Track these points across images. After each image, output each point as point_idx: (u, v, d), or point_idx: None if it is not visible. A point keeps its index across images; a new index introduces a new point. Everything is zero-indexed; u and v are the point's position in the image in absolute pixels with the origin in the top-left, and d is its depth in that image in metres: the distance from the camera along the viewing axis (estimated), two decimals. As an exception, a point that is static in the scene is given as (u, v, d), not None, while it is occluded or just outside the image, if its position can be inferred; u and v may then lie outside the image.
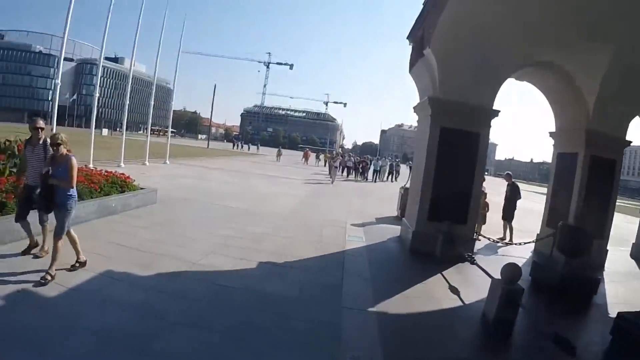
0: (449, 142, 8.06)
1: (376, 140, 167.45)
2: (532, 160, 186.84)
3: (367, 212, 13.20)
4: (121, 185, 9.64)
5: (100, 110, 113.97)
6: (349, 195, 16.93)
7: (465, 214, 8.30)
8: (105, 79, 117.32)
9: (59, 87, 13.70)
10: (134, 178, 10.37)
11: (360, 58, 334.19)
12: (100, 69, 20.16)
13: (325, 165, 38.21)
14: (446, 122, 8.07)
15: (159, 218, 8.85)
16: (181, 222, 8.69)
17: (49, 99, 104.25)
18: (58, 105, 15.46)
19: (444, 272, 6.94)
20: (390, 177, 32.75)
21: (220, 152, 47.18)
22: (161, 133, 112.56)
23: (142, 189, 10.28)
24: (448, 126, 8.06)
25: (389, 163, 36.16)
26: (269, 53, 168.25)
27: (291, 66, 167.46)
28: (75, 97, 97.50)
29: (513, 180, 11.50)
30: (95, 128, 17.63)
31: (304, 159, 43.02)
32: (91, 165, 13.79)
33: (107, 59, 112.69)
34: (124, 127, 19.16)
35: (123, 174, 10.28)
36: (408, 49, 9.38)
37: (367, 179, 29.76)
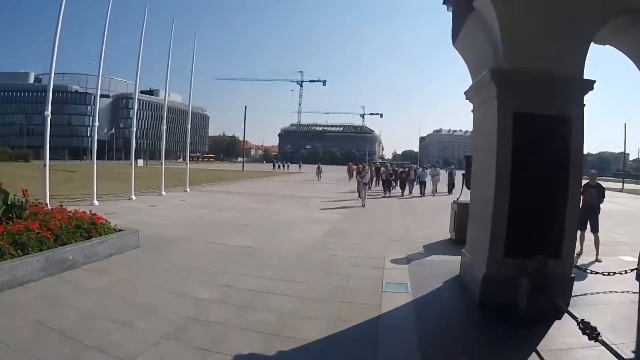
0: (528, 134, 5.25)
1: (416, 148, 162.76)
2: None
3: (412, 237, 10.38)
4: (88, 228, 7.47)
5: (139, 141, 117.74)
6: (389, 217, 13.94)
7: (559, 240, 5.42)
8: (142, 112, 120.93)
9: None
10: (139, 212, 8.33)
11: (393, 66, 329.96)
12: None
13: (350, 179, 34.33)
14: (520, 105, 5.27)
15: (127, 272, 6.59)
16: (151, 278, 6.34)
17: (88, 135, 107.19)
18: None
19: (539, 348, 4.13)
20: (449, 188, 26.01)
21: (256, 174, 45.26)
22: (200, 159, 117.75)
23: (118, 230, 8.10)
24: (524, 110, 5.25)
25: (443, 171, 29.97)
26: (301, 72, 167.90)
27: (324, 82, 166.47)
28: (113, 131, 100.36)
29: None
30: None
31: (348, 175, 38.34)
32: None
33: (142, 92, 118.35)
34: (132, 156, 17.61)
35: (95, 213, 8.12)
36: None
37: (411, 193, 24.20)
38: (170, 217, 12.43)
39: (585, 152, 6.08)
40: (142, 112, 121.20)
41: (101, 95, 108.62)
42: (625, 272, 6.13)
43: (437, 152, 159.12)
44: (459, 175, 25.02)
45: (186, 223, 11.48)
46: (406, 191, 24.06)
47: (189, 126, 22.94)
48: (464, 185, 9.83)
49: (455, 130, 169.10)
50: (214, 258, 7.66)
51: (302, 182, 34.57)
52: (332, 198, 20.16)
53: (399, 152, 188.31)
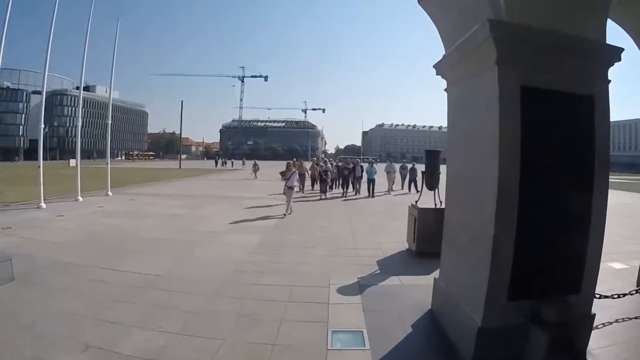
0: (541, 117, 3.56)
1: (359, 142, 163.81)
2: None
3: (361, 249, 8.56)
4: None
5: (73, 140, 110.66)
6: (331, 223, 11.68)
7: (580, 266, 3.81)
8: (77, 109, 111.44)
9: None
10: (40, 226, 5.75)
11: (336, 61, 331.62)
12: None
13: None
14: (529, 77, 3.54)
15: None
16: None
17: (20, 134, 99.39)
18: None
19: None
20: (411, 186, 22.23)
21: (193, 173, 41.41)
22: (137, 157, 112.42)
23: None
24: (534, 84, 3.54)
25: (403, 166, 24.73)
26: (243, 67, 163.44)
27: (265, 78, 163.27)
28: (46, 129, 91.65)
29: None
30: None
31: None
32: None
33: (77, 88, 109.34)
34: (40, 155, 14.68)
35: None
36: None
37: (358, 193, 20.47)
38: (74, 231, 9.77)
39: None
40: (77, 108, 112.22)
41: (33, 92, 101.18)
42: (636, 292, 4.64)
43: (380, 146, 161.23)
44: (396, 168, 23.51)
45: (89, 240, 8.90)
46: (351, 191, 20.57)
47: (109, 121, 20.65)
48: (424, 186, 8.23)
49: (397, 125, 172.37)
50: (100, 296, 5.39)
51: (237, 180, 31.47)
52: (268, 199, 17.91)
53: (342, 146, 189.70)
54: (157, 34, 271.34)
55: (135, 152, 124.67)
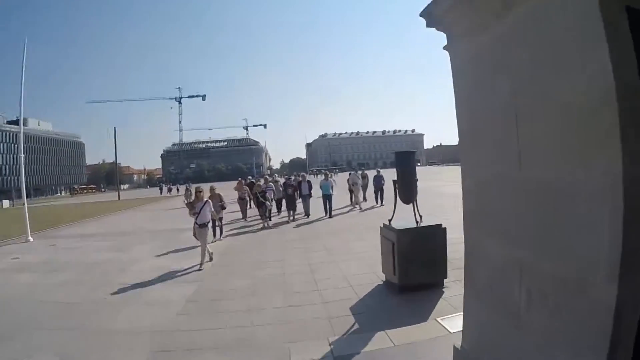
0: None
1: (304, 155, 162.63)
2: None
3: (325, 289, 6.58)
4: None
5: (4, 178, 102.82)
6: (282, 257, 9.25)
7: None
8: (5, 144, 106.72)
9: None
10: None
11: (273, 75, 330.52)
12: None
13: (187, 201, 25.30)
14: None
15: None
16: None
17: None
18: None
19: None
20: (378, 199, 18.41)
21: (131, 204, 37.22)
22: (79, 192, 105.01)
23: None
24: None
25: (363, 175, 20.82)
26: (179, 88, 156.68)
27: (203, 97, 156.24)
28: None
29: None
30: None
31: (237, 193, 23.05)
32: None
33: (9, 122, 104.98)
34: None
35: None
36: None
37: (308, 216, 16.21)
38: None
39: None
40: (5, 144, 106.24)
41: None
42: None
43: (325, 156, 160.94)
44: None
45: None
46: (301, 213, 16.61)
47: (22, 155, 18.01)
48: (397, 197, 6.41)
49: (341, 133, 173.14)
50: None
51: (175, 209, 27.26)
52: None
53: (287, 161, 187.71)
54: (92, 60, 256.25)
55: (76, 187, 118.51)
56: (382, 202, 17.97)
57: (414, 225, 6.04)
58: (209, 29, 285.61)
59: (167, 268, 8.87)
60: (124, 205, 35.21)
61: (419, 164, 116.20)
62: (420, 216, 6.17)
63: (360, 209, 17.94)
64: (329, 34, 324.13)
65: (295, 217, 16.00)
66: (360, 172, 21.60)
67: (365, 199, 20.27)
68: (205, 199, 9.41)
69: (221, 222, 12.20)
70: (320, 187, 16.99)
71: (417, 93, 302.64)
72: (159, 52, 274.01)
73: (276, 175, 35.02)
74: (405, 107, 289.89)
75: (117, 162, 67.27)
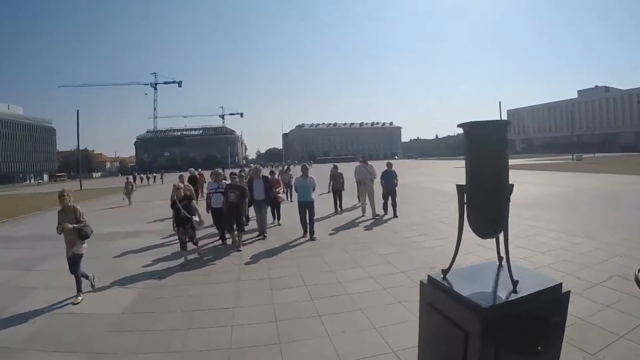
0: None
1: (280, 145, 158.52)
2: (437, 136, 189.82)
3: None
4: None
5: None
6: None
7: None
8: None
9: None
10: None
11: (253, 62, 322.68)
12: None
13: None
14: None
15: None
16: None
17: None
18: None
19: None
20: (388, 205, 12.31)
21: (90, 195, 32.99)
22: (59, 179, 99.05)
23: None
24: None
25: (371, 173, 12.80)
26: (155, 73, 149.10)
27: (179, 83, 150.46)
28: None
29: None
30: None
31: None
32: None
33: None
34: None
35: None
36: None
37: (264, 236, 10.02)
38: None
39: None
40: None
41: None
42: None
43: (302, 147, 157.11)
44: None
45: None
46: (258, 235, 10.19)
47: None
48: (464, 221, 2.99)
49: (318, 124, 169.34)
50: None
51: (135, 203, 23.59)
52: (146, 233, 11.68)
53: (263, 151, 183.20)
54: (65, 42, 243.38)
55: (54, 174, 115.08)
56: (395, 211, 12.13)
57: (506, 287, 2.69)
58: (187, 13, 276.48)
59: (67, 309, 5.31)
60: (80, 197, 30.87)
61: (395, 157, 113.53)
62: (507, 261, 2.81)
63: (374, 216, 12.11)
64: (312, 24, 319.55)
65: (247, 239, 9.82)
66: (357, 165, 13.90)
67: (340, 208, 13.79)
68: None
69: None
70: (296, 189, 10.77)
71: (396, 86, 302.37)
72: (135, 36, 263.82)
73: (257, 165, 27.61)
74: (384, 100, 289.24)
75: (90, 149, 62.09)
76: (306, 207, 9.82)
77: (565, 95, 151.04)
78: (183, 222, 7.91)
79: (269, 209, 11.34)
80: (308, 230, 9.81)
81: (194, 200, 8.40)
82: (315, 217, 10.01)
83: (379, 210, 12.31)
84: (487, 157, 2.74)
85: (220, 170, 11.14)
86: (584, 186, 18.32)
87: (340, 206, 13.82)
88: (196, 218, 7.97)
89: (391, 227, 10.69)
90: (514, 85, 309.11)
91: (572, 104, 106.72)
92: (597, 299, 4.79)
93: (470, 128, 2.80)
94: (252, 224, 10.95)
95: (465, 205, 2.86)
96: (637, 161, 37.10)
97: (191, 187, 9.94)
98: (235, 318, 4.99)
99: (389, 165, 12.79)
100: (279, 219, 12.21)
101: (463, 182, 2.85)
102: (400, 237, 9.22)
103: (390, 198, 12.29)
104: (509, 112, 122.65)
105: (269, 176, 12.19)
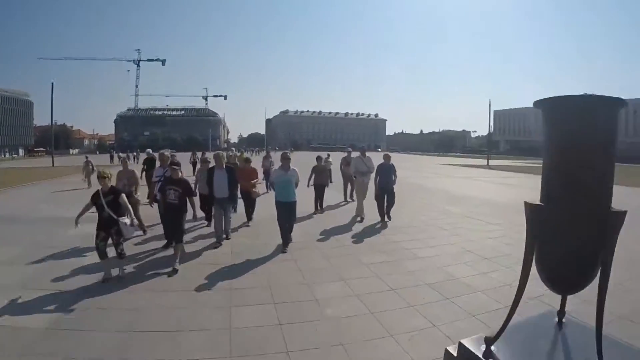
0: None
1: (263, 130, 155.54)
2: (421, 131, 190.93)
3: None
4: None
5: None
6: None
7: None
8: None
9: None
10: None
11: (238, 46, 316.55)
12: None
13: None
14: None
15: None
16: None
17: None
18: None
19: None
20: (384, 203, 9.95)
21: (60, 172, 30.87)
22: (37, 154, 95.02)
23: None
24: None
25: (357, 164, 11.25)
26: (139, 50, 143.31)
27: (163, 62, 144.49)
28: None
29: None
30: None
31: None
32: None
33: None
34: None
35: None
36: None
37: (220, 243, 7.64)
38: None
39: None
40: None
41: None
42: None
43: (285, 134, 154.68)
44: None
45: None
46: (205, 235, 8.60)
47: None
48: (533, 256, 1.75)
49: (302, 111, 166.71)
50: None
51: (95, 186, 21.12)
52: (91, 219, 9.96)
53: (245, 135, 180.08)
54: (46, 13, 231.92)
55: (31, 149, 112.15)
56: (388, 214, 10.18)
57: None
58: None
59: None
60: (50, 174, 28.72)
61: (379, 150, 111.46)
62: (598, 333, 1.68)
63: (361, 220, 10.35)
64: (302, 9, 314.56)
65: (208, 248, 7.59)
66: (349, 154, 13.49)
67: (321, 207, 11.74)
68: None
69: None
70: (272, 185, 8.41)
71: (384, 78, 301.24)
72: (119, 9, 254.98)
73: (233, 149, 24.12)
74: (369, 91, 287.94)
75: (69, 125, 58.81)
76: (287, 209, 7.49)
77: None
78: (107, 225, 5.70)
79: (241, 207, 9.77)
80: (285, 242, 7.51)
81: (124, 195, 5.99)
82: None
83: (375, 216, 10.14)
84: (588, 153, 1.57)
85: (167, 153, 8.93)
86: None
87: (322, 205, 11.75)
88: (126, 220, 5.71)
89: (378, 229, 9.44)
90: (510, 84, 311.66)
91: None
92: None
93: (561, 105, 1.60)
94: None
95: (535, 237, 1.71)
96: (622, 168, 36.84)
97: (136, 174, 8.46)
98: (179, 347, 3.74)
99: (387, 157, 10.35)
100: (249, 219, 9.77)
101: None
102: (390, 243, 8.10)
103: (386, 198, 9.98)
104: (495, 112, 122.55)
105: (245, 164, 10.16)
